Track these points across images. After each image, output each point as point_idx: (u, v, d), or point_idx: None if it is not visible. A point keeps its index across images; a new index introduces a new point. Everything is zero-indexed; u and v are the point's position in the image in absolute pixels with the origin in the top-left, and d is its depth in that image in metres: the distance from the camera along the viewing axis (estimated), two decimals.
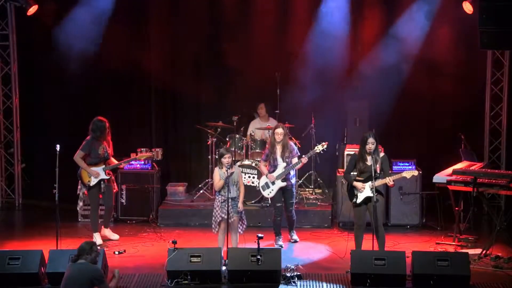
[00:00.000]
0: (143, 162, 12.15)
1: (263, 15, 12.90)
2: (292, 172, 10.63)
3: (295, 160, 10.50)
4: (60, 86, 13.23)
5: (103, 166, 10.62)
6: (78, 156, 10.54)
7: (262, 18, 12.91)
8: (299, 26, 12.99)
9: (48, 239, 10.28)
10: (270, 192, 10.62)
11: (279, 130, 10.47)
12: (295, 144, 11.73)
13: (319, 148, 10.51)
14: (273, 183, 10.55)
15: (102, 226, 10.95)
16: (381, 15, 12.78)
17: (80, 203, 10.87)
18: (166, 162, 13.07)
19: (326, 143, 10.58)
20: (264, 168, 10.66)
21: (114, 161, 10.81)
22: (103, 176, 10.62)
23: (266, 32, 13.00)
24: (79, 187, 10.75)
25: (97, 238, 10.64)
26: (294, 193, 10.79)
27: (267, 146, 10.87)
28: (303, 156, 10.52)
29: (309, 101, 13.08)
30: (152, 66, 13.45)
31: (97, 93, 13.19)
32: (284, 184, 10.51)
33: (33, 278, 8.76)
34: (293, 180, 10.71)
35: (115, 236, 10.92)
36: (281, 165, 10.50)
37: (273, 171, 10.55)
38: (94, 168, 10.57)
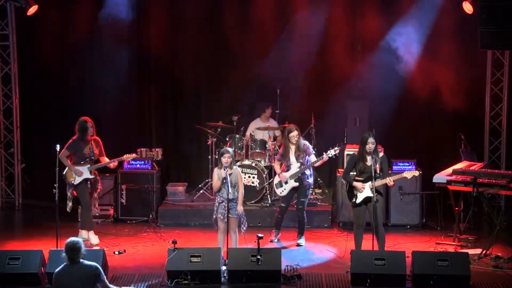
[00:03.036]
0: (143, 162, 12.16)
1: (264, 15, 12.90)
2: (309, 172, 10.55)
3: (313, 158, 10.47)
4: (60, 86, 13.25)
5: (88, 165, 10.55)
6: (63, 155, 10.40)
7: (262, 17, 12.91)
8: (300, 26, 13.00)
9: (48, 239, 10.27)
10: (283, 191, 10.64)
11: (295, 133, 10.41)
12: None
13: (331, 152, 10.40)
14: (286, 182, 10.56)
15: (80, 228, 10.77)
16: (381, 15, 12.77)
17: (70, 204, 10.61)
18: (166, 162, 13.08)
19: (339, 148, 10.48)
20: (277, 168, 10.67)
21: (105, 160, 10.74)
22: (87, 175, 10.53)
23: (267, 31, 13.00)
24: (67, 187, 10.59)
25: (91, 237, 10.53)
26: (308, 194, 10.74)
27: (281, 146, 10.85)
28: (324, 153, 10.36)
29: (309, 101, 13.09)
30: (153, 67, 13.48)
31: (97, 94, 13.18)
32: (297, 184, 10.49)
33: (33, 278, 8.75)
34: (310, 180, 10.63)
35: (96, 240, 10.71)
36: (295, 165, 10.48)
37: (287, 171, 10.54)
38: (78, 167, 10.50)
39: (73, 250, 7.32)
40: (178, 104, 13.68)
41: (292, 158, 10.50)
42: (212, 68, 13.39)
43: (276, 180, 10.76)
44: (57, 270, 7.38)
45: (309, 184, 10.60)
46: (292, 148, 10.50)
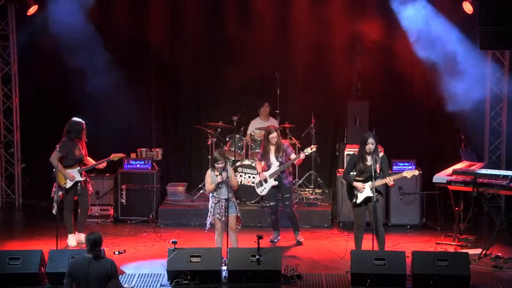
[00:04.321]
0: (143, 162, 12.16)
1: (264, 15, 12.90)
2: (288, 170, 10.64)
3: (293, 156, 10.55)
4: (60, 86, 13.26)
5: (78, 168, 10.50)
6: (54, 157, 10.31)
7: (263, 17, 12.90)
8: (300, 26, 13.00)
9: (48, 239, 10.27)
10: (263, 190, 10.77)
11: (274, 135, 10.57)
12: (295, 144, 11.77)
13: (308, 150, 10.50)
14: (265, 181, 10.63)
15: (76, 231, 10.76)
16: (381, 15, 12.77)
17: (56, 206, 10.40)
18: (166, 162, 13.07)
19: (316, 146, 10.62)
20: (258, 167, 10.79)
21: (91, 161, 10.67)
22: (78, 178, 10.47)
23: (267, 31, 13.00)
24: (53, 189, 10.43)
25: (71, 240, 10.51)
26: (291, 190, 10.87)
27: (261, 147, 10.95)
28: (301, 152, 10.53)
29: (309, 101, 13.09)
30: (153, 67, 13.48)
31: (96, 94, 13.17)
32: (276, 183, 10.60)
33: (33, 278, 8.76)
34: (290, 178, 10.74)
35: None
36: (275, 164, 10.58)
37: (268, 170, 10.63)
38: (69, 171, 10.41)
39: (98, 245, 7.33)
40: (178, 104, 13.67)
41: (272, 157, 10.63)
42: (212, 68, 13.38)
43: (256, 179, 10.87)
44: (75, 259, 7.42)
45: (289, 182, 10.71)
46: (272, 148, 10.61)
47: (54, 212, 10.34)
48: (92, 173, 11.25)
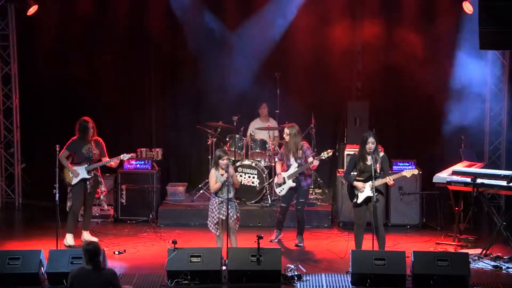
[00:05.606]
0: (143, 162, 12.16)
1: (264, 15, 12.90)
2: (307, 173, 10.56)
3: (310, 159, 10.47)
4: (60, 86, 13.26)
5: (86, 165, 10.52)
6: (62, 155, 10.37)
7: (263, 17, 12.91)
8: (300, 25, 13.00)
9: (48, 239, 10.27)
10: (281, 191, 10.68)
11: (286, 130, 10.49)
12: None
13: (324, 155, 10.43)
14: (284, 182, 10.58)
15: (82, 230, 10.78)
16: (382, 15, 12.78)
17: (69, 203, 10.55)
18: (166, 162, 13.07)
19: (332, 151, 10.52)
20: (278, 167, 10.72)
21: (105, 160, 10.68)
22: (84, 175, 10.48)
23: (267, 32, 12.99)
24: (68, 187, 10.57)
25: (69, 239, 10.50)
26: (307, 194, 10.84)
27: (282, 146, 10.90)
28: (316, 158, 10.44)
29: (309, 101, 13.09)
30: (153, 68, 13.47)
31: (97, 94, 13.18)
32: (294, 184, 10.52)
33: (33, 278, 8.75)
34: (308, 181, 10.66)
35: (95, 239, 10.72)
36: (293, 165, 10.51)
37: (287, 170, 10.58)
38: (75, 168, 10.46)
39: (97, 255, 7.22)
40: (178, 103, 13.67)
41: (291, 158, 10.53)
42: (213, 68, 13.37)
43: (276, 179, 10.79)
44: (74, 271, 7.25)
45: (307, 184, 10.63)
46: (293, 148, 10.52)
47: (68, 208, 10.49)
48: None
